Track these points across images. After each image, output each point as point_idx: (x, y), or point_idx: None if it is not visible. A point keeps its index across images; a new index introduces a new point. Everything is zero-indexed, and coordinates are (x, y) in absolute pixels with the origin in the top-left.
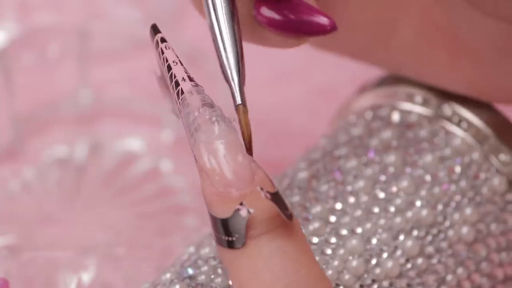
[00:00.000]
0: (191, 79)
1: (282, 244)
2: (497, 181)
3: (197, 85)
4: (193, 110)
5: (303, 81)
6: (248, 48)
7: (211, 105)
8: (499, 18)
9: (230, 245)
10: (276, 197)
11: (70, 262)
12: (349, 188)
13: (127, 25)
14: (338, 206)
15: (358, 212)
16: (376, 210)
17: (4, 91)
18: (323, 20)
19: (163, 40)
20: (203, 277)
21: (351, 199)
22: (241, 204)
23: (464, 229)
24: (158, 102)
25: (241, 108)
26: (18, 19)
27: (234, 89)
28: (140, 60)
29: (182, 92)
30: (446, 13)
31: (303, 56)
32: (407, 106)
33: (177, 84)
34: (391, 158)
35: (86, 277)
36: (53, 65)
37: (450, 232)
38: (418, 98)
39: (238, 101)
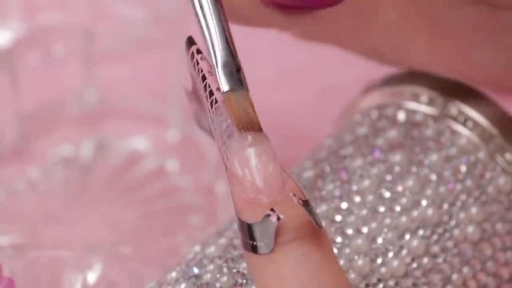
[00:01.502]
0: None
1: (309, 252)
2: (503, 181)
3: None
4: (226, 118)
5: (308, 81)
6: (253, 49)
7: None
8: (478, 1)
9: (257, 250)
10: (306, 205)
11: (76, 261)
12: (354, 187)
13: (133, 25)
14: (344, 205)
15: (364, 212)
16: (381, 209)
17: (9, 90)
18: None
19: (198, 51)
20: (208, 276)
21: (357, 199)
22: (271, 210)
23: (470, 229)
24: (164, 102)
25: (231, 96)
26: (23, 18)
27: (217, 73)
28: (146, 60)
29: (216, 101)
30: None
31: (308, 56)
32: (412, 105)
33: (211, 93)
34: (397, 157)
35: (91, 276)
36: (58, 64)
37: (456, 232)
38: (424, 97)
39: (224, 88)
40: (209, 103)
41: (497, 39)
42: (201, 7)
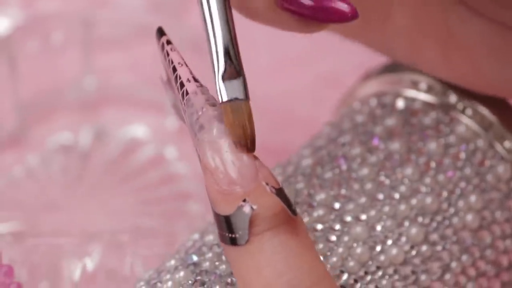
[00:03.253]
0: (196, 80)
1: (285, 240)
2: (502, 168)
3: (201, 85)
4: (197, 109)
5: (307, 69)
6: (252, 36)
7: (214, 105)
8: (490, 20)
9: (233, 242)
10: (280, 193)
11: (74, 249)
12: (353, 175)
13: (131, 12)
14: (343, 193)
15: (363, 199)
16: (380, 197)
17: (8, 78)
18: (344, 7)
19: (168, 42)
20: (207, 263)
21: (356, 186)
22: (244, 200)
23: (469, 216)
24: (163, 90)
25: (231, 107)
26: (22, 6)
27: (216, 82)
28: (144, 47)
29: (187, 93)
30: (440, 7)
31: (307, 44)
32: (411, 93)
33: (182, 85)
34: (396, 145)
35: (90, 263)
36: (57, 52)
37: (455, 219)
38: (423, 85)
39: (223, 98)
40: (180, 95)
41: (507, 56)
42: (210, 12)
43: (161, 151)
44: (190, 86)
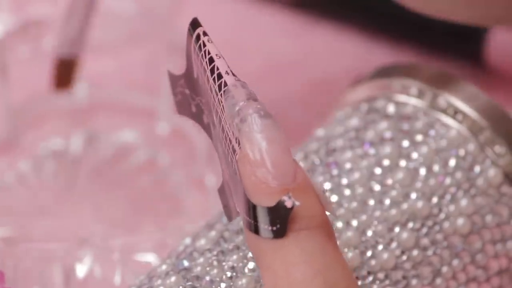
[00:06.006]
0: (233, 75)
1: (322, 242)
2: (493, 173)
3: (239, 80)
4: (238, 101)
5: (298, 74)
6: (243, 41)
7: (255, 99)
8: None
9: (268, 234)
10: (320, 197)
11: (66, 254)
12: (344, 180)
13: (122, 18)
14: (334, 198)
15: (354, 204)
16: (371, 202)
17: None
18: None
19: (205, 33)
20: (198, 269)
21: (347, 191)
22: (287, 196)
23: (460, 221)
24: (154, 95)
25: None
26: (13, 11)
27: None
28: (135, 53)
29: (226, 85)
30: None
31: (298, 49)
32: (402, 98)
33: (219, 76)
34: (387, 150)
35: (81, 268)
36: (48, 57)
37: (446, 224)
38: (413, 90)
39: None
40: (216, 86)
41: None
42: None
43: (152, 157)
44: (229, 79)
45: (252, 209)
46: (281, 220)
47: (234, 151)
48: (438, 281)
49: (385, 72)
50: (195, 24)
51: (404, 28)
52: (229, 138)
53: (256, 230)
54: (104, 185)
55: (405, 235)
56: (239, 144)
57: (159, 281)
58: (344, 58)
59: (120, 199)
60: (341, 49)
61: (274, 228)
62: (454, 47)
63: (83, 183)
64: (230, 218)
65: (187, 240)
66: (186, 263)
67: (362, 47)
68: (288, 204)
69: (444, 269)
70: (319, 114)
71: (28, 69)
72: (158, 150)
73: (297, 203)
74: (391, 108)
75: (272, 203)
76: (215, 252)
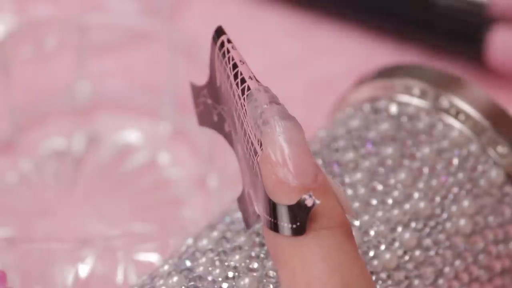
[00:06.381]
0: (257, 80)
1: (341, 242)
2: (495, 173)
3: (262, 85)
4: (261, 104)
5: (300, 74)
6: (245, 41)
7: (278, 103)
8: None
9: (288, 232)
10: (341, 200)
11: (68, 254)
12: (346, 180)
13: (124, 18)
14: None
15: (356, 204)
16: (374, 202)
17: (1, 83)
18: None
19: (229, 41)
20: (201, 269)
21: (349, 191)
22: (308, 194)
23: (462, 221)
24: (156, 95)
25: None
26: (15, 11)
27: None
28: (138, 53)
29: (249, 89)
30: None
31: (300, 49)
32: (404, 98)
33: (243, 81)
34: (389, 150)
35: (83, 269)
36: (50, 57)
37: (448, 224)
38: (416, 90)
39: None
40: (239, 90)
41: None
42: None
43: (154, 157)
44: (252, 83)
45: (272, 208)
46: (301, 218)
47: (255, 153)
48: (441, 281)
49: (387, 73)
50: (219, 31)
51: (406, 28)
52: (251, 141)
53: (275, 228)
54: (106, 185)
55: (407, 235)
56: (260, 146)
57: (161, 281)
58: (346, 58)
59: (122, 199)
60: (344, 49)
61: (294, 226)
62: (456, 48)
63: (85, 183)
64: (248, 226)
65: (189, 240)
66: (188, 263)
67: (364, 47)
68: (309, 202)
69: (447, 269)
70: (321, 114)
71: (31, 69)
72: (160, 150)
73: (317, 202)
74: (393, 108)
75: (292, 201)
76: (217, 252)
